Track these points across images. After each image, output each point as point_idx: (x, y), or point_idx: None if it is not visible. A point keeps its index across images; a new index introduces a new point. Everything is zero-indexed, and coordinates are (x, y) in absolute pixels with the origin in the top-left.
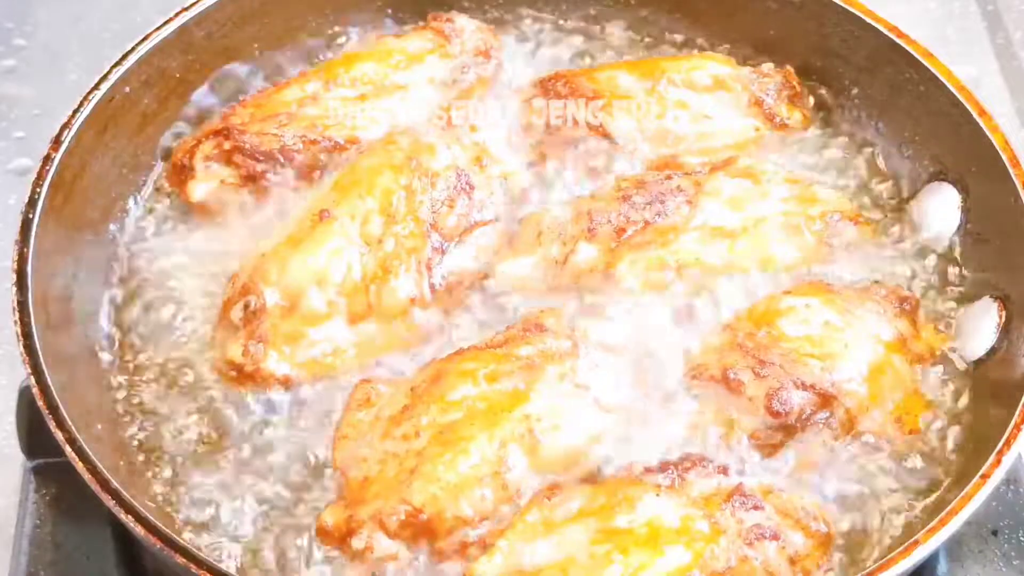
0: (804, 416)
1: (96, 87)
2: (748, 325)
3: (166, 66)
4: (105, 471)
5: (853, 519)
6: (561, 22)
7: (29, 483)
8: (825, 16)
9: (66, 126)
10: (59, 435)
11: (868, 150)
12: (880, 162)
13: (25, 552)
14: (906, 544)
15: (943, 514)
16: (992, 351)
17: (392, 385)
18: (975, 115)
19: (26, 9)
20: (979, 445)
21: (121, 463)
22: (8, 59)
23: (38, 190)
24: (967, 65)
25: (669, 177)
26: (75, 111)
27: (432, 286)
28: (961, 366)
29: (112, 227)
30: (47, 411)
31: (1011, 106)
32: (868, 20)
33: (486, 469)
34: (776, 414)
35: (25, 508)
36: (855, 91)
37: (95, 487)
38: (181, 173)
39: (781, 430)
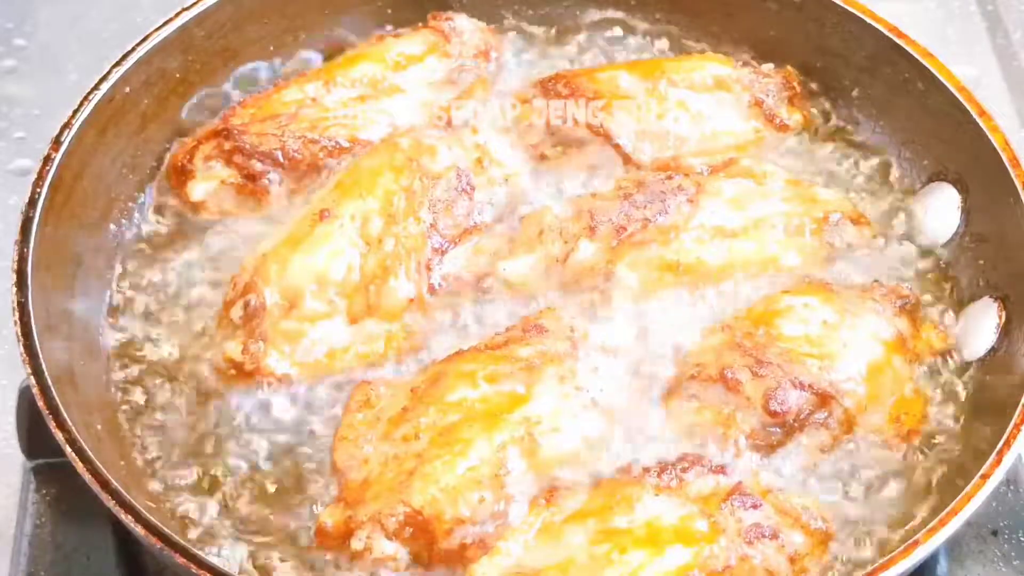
0: (802, 416)
1: (96, 87)
2: (747, 324)
3: (166, 66)
4: (105, 471)
5: (852, 518)
6: (561, 22)
7: (29, 483)
8: (825, 16)
9: (66, 126)
10: (59, 435)
11: (868, 150)
12: (880, 162)
13: (25, 552)
14: (906, 544)
15: (943, 514)
16: (992, 351)
17: (392, 386)
18: (975, 115)
19: (26, 9)
20: (979, 445)
21: (121, 463)
22: (8, 59)
23: (38, 190)
24: (967, 65)
25: (670, 177)
26: (75, 111)
27: (432, 287)
28: (961, 366)
29: (112, 227)
30: (47, 411)
31: (1011, 106)
32: (868, 20)
33: (485, 471)
34: (774, 414)
35: (25, 508)
36: (855, 91)
37: (95, 487)
38: (181, 173)
39: (779, 429)
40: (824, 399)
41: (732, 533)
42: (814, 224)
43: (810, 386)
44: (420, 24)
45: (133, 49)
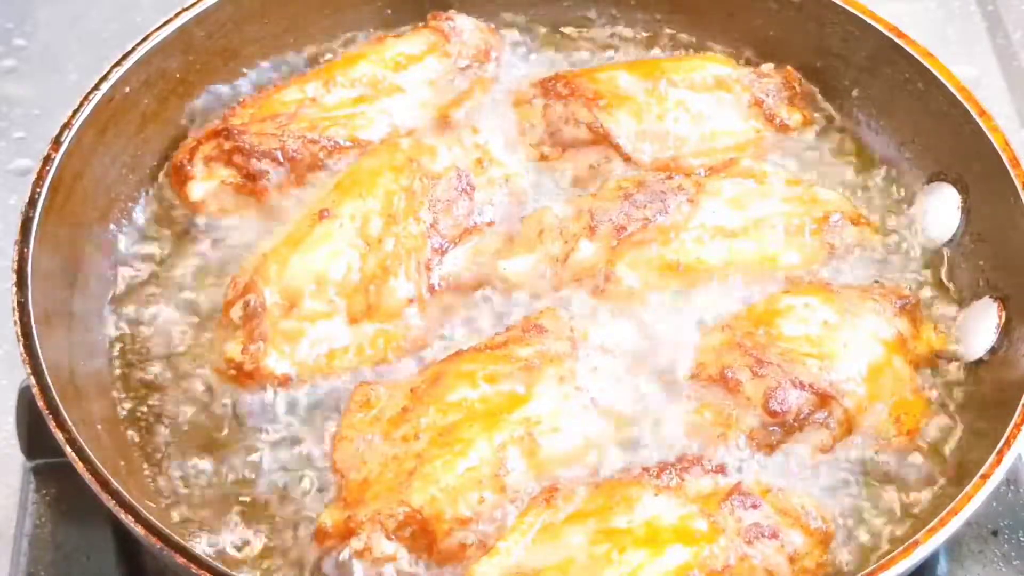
0: (802, 415)
1: (96, 87)
2: (747, 324)
3: (166, 66)
4: (105, 471)
5: (852, 518)
6: (561, 22)
7: (29, 483)
8: (825, 16)
9: (66, 126)
10: (59, 435)
11: (868, 150)
12: (880, 162)
13: (25, 552)
14: (906, 544)
15: (943, 514)
16: (992, 351)
17: (391, 386)
18: (975, 115)
19: (26, 9)
20: (979, 445)
21: (121, 463)
22: (8, 59)
23: (38, 190)
24: (967, 65)
25: (670, 177)
26: (75, 111)
27: (431, 287)
28: (961, 366)
29: (112, 227)
30: (47, 411)
31: (1011, 106)
32: (868, 20)
33: (485, 471)
34: (773, 413)
35: (25, 508)
36: (855, 91)
37: (95, 487)
38: (181, 173)
39: (779, 429)
40: (824, 399)
41: (732, 533)
42: (814, 224)
43: (810, 386)
44: (420, 24)
45: (133, 49)
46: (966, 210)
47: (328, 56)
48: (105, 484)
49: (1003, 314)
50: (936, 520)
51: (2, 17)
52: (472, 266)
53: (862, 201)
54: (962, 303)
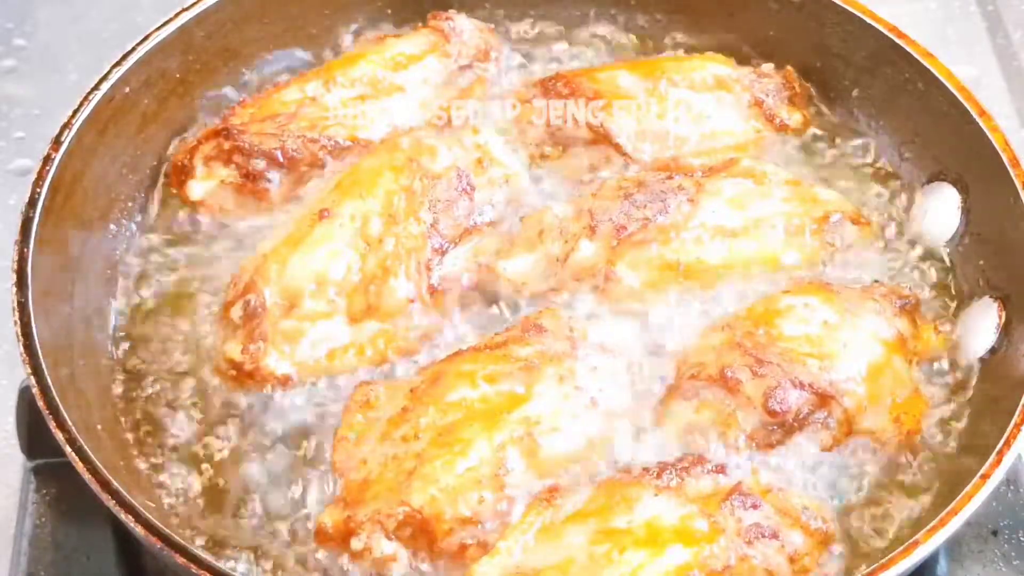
0: (801, 415)
1: (96, 87)
2: (747, 324)
3: (166, 66)
4: (105, 471)
5: (852, 518)
6: (561, 22)
7: (29, 483)
8: (825, 16)
9: (66, 126)
10: (59, 435)
11: (868, 151)
12: (880, 162)
13: (25, 552)
14: (906, 544)
15: (943, 514)
16: (992, 351)
17: (391, 387)
18: (975, 115)
19: (26, 9)
20: (979, 445)
21: (121, 463)
22: (8, 59)
23: (38, 190)
24: (967, 65)
25: (670, 176)
26: (75, 111)
27: (431, 287)
28: (961, 366)
29: (112, 227)
30: (47, 411)
31: (1011, 106)
32: (868, 20)
33: (485, 471)
34: (773, 413)
35: (25, 508)
36: (855, 91)
37: (95, 487)
38: (181, 173)
39: (779, 429)
40: (824, 399)
41: (732, 533)
42: (814, 224)
43: (810, 386)
44: (420, 24)
45: (133, 49)
46: (966, 210)
47: (328, 56)
48: (105, 484)
49: (1003, 314)
50: (936, 520)
51: (2, 17)
52: (472, 266)
53: (861, 201)
54: (962, 303)
